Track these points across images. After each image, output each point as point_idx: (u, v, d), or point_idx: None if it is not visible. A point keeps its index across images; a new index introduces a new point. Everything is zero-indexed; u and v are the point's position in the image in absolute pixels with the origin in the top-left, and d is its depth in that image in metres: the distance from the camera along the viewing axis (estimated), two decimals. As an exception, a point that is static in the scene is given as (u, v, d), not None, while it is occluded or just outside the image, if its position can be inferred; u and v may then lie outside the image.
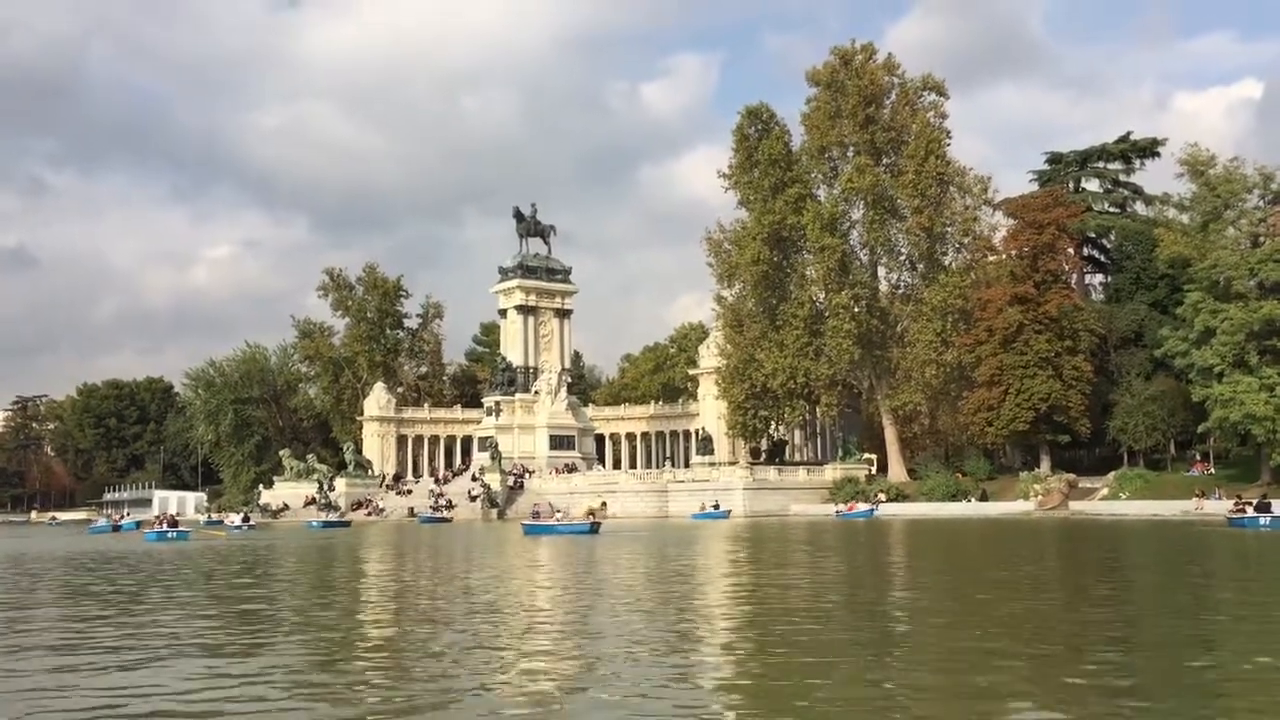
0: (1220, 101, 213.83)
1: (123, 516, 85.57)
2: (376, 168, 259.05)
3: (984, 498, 73.03)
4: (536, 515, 57.01)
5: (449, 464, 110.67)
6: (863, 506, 71.40)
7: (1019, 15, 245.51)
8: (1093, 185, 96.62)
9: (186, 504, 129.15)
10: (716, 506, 71.98)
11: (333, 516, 78.71)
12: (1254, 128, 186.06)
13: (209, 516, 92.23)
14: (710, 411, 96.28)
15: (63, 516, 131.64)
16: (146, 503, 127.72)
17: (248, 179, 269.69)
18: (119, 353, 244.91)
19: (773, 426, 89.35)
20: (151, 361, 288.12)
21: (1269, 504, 48.48)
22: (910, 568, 28.43)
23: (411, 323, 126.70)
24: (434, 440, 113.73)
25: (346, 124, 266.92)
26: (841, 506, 72.67)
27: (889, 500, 75.43)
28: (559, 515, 55.47)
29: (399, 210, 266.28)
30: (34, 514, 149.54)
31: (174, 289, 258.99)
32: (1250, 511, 46.56)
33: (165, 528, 53.55)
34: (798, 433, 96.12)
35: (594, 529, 48.30)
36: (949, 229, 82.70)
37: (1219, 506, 55.33)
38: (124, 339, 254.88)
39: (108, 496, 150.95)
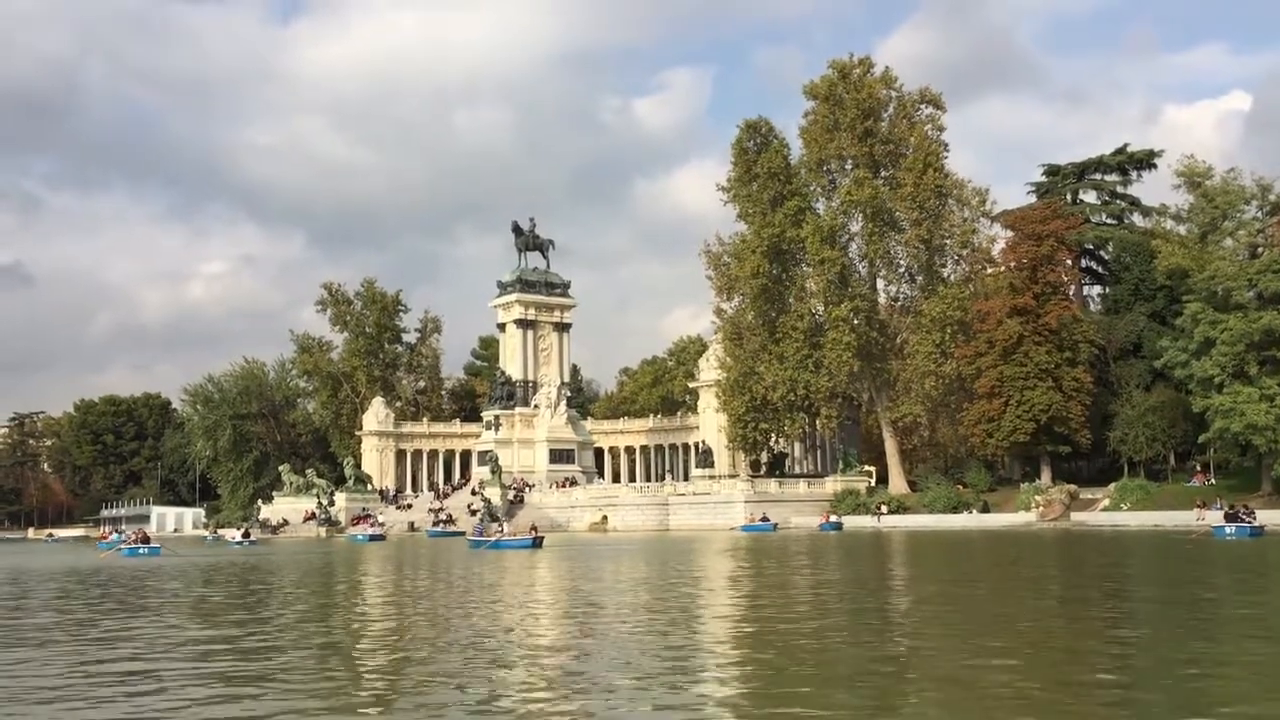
0: (1210, 114, 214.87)
1: (117, 532, 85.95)
2: (371, 183, 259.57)
3: (985, 509, 73.02)
4: (481, 531, 58.38)
5: (448, 478, 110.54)
6: (833, 519, 72.61)
7: (1007, 29, 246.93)
8: (1090, 197, 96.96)
9: (184, 520, 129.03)
10: (765, 519, 72.51)
11: (370, 530, 79.42)
12: (1243, 140, 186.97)
13: (213, 533, 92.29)
14: (710, 424, 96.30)
15: (60, 533, 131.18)
16: (144, 519, 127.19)
17: (243, 195, 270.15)
18: (114, 369, 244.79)
19: (773, 439, 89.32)
20: (146, 378, 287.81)
21: (1237, 514, 49.78)
22: (896, 583, 28.43)
23: (410, 337, 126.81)
24: (433, 454, 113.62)
25: (340, 140, 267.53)
26: (835, 518, 73.34)
27: (890, 512, 75.44)
28: (503, 531, 57.09)
29: (394, 226, 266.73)
30: (31, 531, 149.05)
31: (169, 305, 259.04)
32: (1221, 521, 48.89)
33: (138, 544, 57.09)
34: (798, 445, 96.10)
35: (537, 544, 48.90)
36: (947, 241, 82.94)
37: (1220, 517, 55.37)
38: (119, 355, 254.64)
39: (105, 513, 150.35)
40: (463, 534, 79.04)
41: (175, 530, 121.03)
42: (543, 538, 51.57)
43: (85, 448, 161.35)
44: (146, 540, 58.87)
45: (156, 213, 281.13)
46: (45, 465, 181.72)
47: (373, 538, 74.91)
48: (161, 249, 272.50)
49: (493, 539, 52.86)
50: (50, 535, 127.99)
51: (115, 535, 76.97)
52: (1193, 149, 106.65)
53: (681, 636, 15.57)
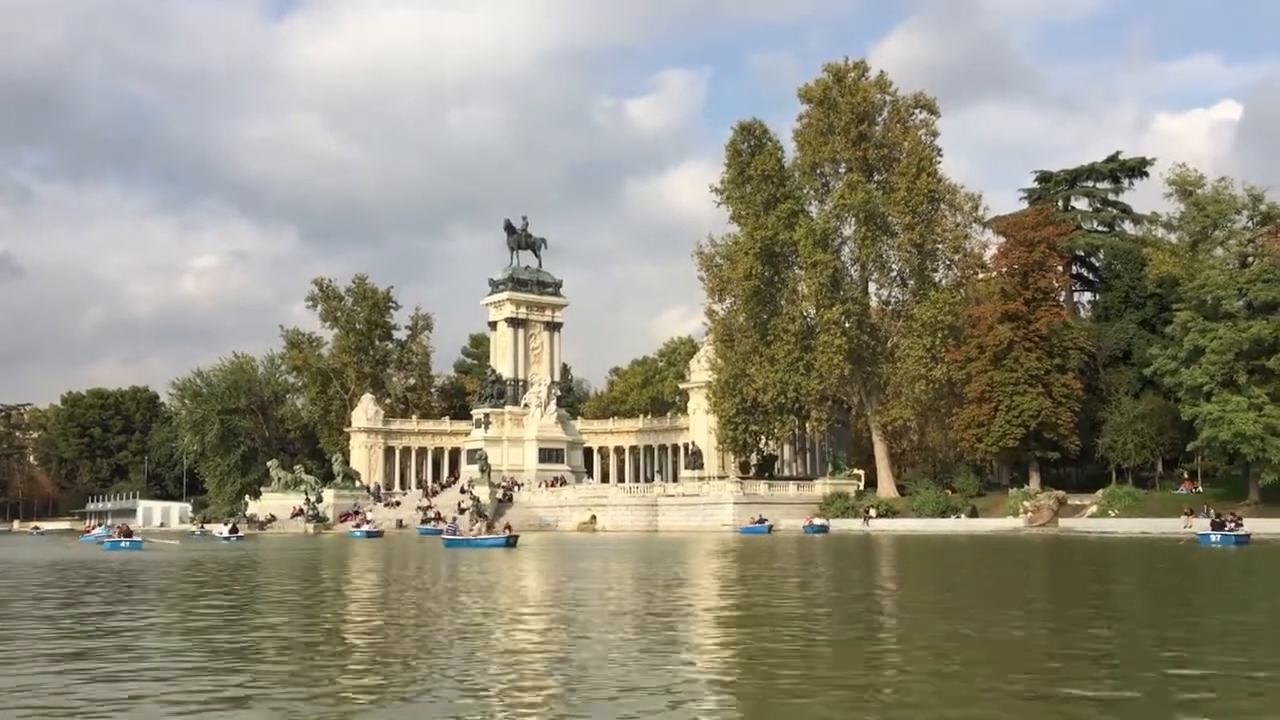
0: (1201, 123, 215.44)
1: (99, 526, 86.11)
2: (364, 180, 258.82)
3: (973, 514, 73.20)
4: (455, 530, 58.49)
5: (436, 476, 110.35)
6: (817, 521, 73.56)
7: (1002, 36, 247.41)
8: (1082, 204, 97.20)
9: (171, 514, 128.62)
10: (761, 520, 72.82)
11: (368, 527, 79.65)
12: (1234, 149, 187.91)
13: (200, 528, 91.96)
14: (700, 425, 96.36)
15: (46, 526, 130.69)
16: (130, 513, 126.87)
17: (236, 191, 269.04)
18: (103, 362, 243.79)
19: (763, 441, 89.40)
20: (135, 371, 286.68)
21: (1223, 522, 50.84)
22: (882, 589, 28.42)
23: (400, 334, 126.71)
24: (421, 452, 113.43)
25: (334, 137, 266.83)
26: (819, 521, 73.95)
27: (879, 516, 75.57)
28: (477, 530, 57.36)
29: (386, 223, 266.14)
30: (16, 524, 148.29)
31: (159, 299, 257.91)
32: (1208, 529, 50.52)
33: (120, 538, 57.60)
34: (787, 448, 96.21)
35: (510, 543, 48.99)
36: (940, 246, 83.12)
37: (1206, 525, 55.64)
38: (108, 349, 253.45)
39: (91, 506, 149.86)
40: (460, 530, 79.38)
41: (161, 524, 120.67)
42: (517, 537, 51.90)
43: (72, 440, 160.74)
44: (129, 534, 59.11)
45: (149, 207, 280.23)
46: (31, 458, 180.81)
47: (370, 534, 75.15)
48: (153, 243, 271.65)
49: (468, 537, 53.22)
50: (36, 528, 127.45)
51: (101, 529, 76.94)
52: (1184, 157, 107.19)
53: (629, 649, 15.51)
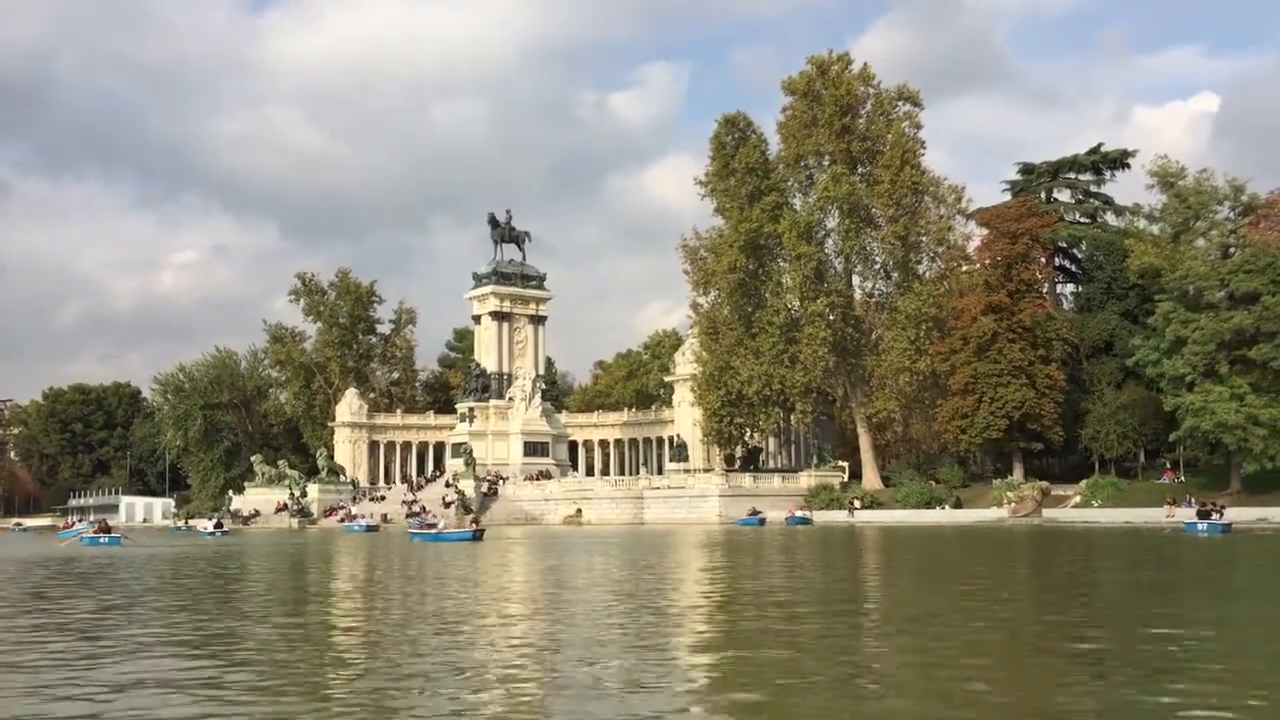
0: (1179, 115, 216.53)
1: (79, 522, 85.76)
2: (345, 175, 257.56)
3: (958, 505, 73.46)
4: (423, 525, 58.29)
5: (421, 470, 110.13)
6: (799, 513, 72.64)
7: (982, 30, 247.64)
8: (1064, 196, 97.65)
9: (154, 510, 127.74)
10: (755, 512, 72.01)
11: (365, 521, 79.37)
12: (1212, 141, 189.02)
13: (185, 524, 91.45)
14: (685, 418, 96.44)
15: (28, 523, 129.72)
16: (113, 509, 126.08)
17: (216, 185, 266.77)
18: (83, 358, 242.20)
19: (748, 434, 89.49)
20: (115, 367, 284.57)
21: (1209, 511, 51.41)
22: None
23: (384, 328, 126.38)
24: (406, 446, 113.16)
25: (315, 131, 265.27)
26: (801, 513, 73.61)
27: (863, 507, 75.78)
28: (444, 524, 57.14)
29: (368, 217, 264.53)
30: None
31: (139, 294, 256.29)
32: (1194, 518, 51.10)
33: (98, 534, 57.18)
34: (772, 440, 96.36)
35: (477, 536, 48.93)
36: (923, 238, 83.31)
37: (1189, 514, 56.12)
38: (89, 344, 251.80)
39: (73, 502, 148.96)
40: (435, 525, 79.17)
41: (144, 520, 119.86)
42: (484, 530, 51.86)
43: (53, 436, 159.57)
44: (107, 530, 58.65)
45: (128, 202, 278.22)
46: (12, 454, 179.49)
47: (369, 528, 75.28)
48: (132, 238, 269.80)
49: (434, 531, 53.40)
50: (18, 524, 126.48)
51: (84, 524, 76.54)
52: (1162, 149, 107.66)
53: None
